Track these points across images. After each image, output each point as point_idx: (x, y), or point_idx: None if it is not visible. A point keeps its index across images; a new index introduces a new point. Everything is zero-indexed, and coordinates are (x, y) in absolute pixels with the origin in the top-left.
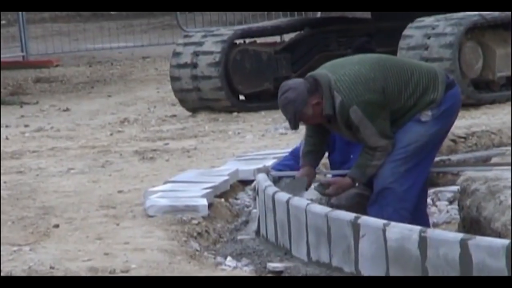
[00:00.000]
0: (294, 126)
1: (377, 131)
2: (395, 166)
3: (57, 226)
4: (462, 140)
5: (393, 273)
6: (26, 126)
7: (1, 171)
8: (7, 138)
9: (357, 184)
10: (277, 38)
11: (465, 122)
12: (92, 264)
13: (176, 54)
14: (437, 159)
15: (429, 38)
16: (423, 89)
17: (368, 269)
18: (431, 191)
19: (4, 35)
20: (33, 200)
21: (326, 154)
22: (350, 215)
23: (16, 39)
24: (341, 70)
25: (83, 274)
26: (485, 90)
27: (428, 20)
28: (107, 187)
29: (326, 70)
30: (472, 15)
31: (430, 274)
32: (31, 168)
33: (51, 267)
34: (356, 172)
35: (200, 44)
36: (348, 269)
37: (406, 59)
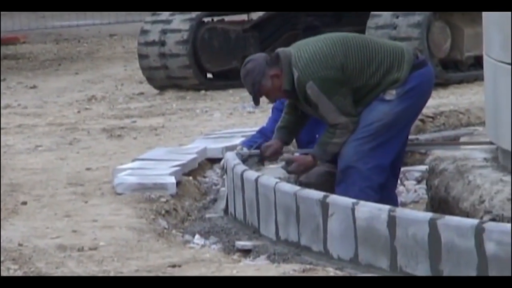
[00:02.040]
0: (255, 100)
1: (336, 108)
2: (358, 144)
3: (25, 203)
4: (430, 119)
5: (362, 252)
6: None
7: None
8: None
9: (319, 162)
10: (245, 17)
11: (433, 102)
12: (61, 241)
13: (144, 32)
14: None
15: (397, 17)
16: (387, 68)
17: (336, 248)
18: None
19: None
20: (1, 177)
21: None
22: (319, 194)
23: None
24: (304, 47)
25: (51, 251)
26: (453, 70)
27: None
28: (75, 165)
29: (291, 47)
30: None
31: (399, 253)
32: None
33: (20, 244)
34: (317, 150)
35: (168, 22)
36: (317, 248)
37: (375, 37)
